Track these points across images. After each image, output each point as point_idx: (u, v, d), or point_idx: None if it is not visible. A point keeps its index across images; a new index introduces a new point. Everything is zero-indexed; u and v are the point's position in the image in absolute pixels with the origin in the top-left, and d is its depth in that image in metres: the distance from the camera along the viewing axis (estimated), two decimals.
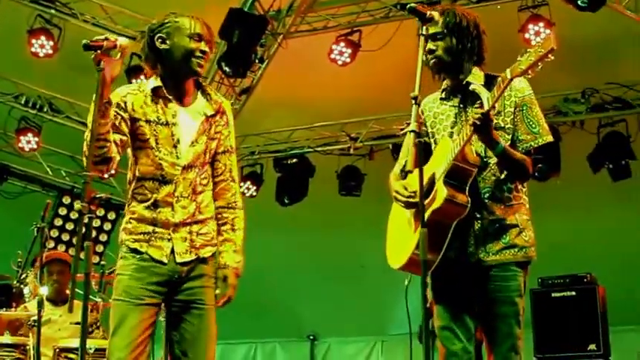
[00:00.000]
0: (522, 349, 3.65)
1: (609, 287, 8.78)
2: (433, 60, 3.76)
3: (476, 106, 3.53)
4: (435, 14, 3.60)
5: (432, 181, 3.64)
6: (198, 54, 3.73)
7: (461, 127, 3.71)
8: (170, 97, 3.77)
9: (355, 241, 11.08)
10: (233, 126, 3.98)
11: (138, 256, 3.72)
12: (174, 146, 3.74)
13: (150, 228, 3.74)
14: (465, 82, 3.76)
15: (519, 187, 3.75)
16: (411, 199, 3.65)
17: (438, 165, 3.64)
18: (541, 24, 8.11)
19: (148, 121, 3.74)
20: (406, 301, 3.44)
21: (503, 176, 3.68)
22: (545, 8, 8.15)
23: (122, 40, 3.57)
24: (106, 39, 3.48)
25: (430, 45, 3.74)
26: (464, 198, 3.56)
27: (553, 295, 8.69)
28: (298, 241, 11.55)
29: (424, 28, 3.58)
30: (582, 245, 10.28)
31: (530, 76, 3.46)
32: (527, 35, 8.10)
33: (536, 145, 3.70)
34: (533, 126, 3.71)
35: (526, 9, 8.24)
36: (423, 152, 3.44)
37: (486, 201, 3.65)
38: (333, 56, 8.88)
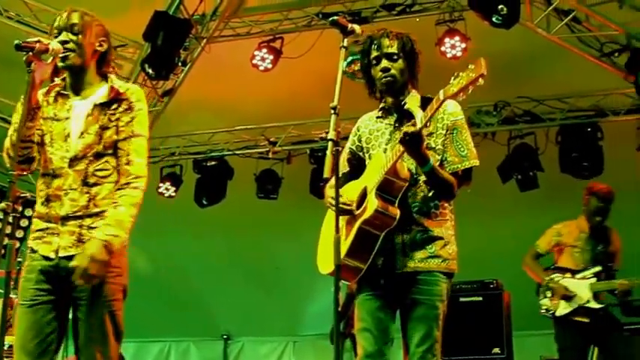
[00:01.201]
0: (439, 352, 3.70)
1: (515, 293, 8.97)
2: (387, 79, 3.85)
3: (409, 124, 3.58)
4: (356, 28, 3.66)
5: (365, 193, 3.74)
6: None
7: (395, 144, 3.77)
8: (67, 93, 3.72)
9: (271, 244, 11.10)
10: (143, 111, 3.74)
11: (33, 255, 3.60)
12: (65, 140, 3.63)
13: (44, 225, 3.61)
14: (402, 103, 3.86)
15: (445, 204, 3.84)
16: (346, 207, 3.72)
17: (371, 178, 3.74)
18: (457, 38, 8.27)
19: (45, 119, 3.67)
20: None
21: (430, 194, 3.76)
22: (461, 23, 8.31)
23: (54, 45, 3.51)
24: (39, 41, 3.42)
25: (386, 64, 3.84)
26: (394, 210, 3.65)
27: (461, 299, 8.83)
28: (215, 241, 11.51)
29: (345, 40, 3.64)
30: (490, 252, 10.48)
31: (462, 99, 3.53)
32: (443, 48, 8.25)
33: (462, 168, 3.77)
34: (462, 149, 3.79)
35: (443, 23, 8.39)
36: (356, 164, 3.71)
37: (415, 215, 3.74)
38: (255, 62, 8.87)
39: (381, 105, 3.98)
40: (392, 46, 3.84)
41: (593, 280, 6.65)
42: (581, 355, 6.67)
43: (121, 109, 3.67)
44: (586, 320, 6.62)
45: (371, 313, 3.74)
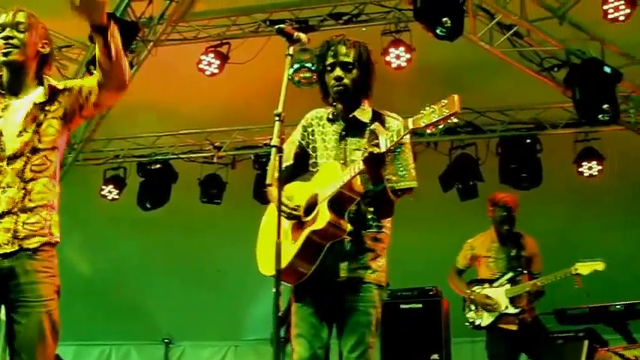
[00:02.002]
0: (373, 357, 3.75)
1: (454, 301, 9.05)
2: (339, 88, 3.85)
3: (373, 143, 3.56)
4: (302, 36, 3.66)
5: (315, 201, 3.73)
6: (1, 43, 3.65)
7: (339, 151, 3.85)
8: (3, 92, 3.70)
9: (214, 248, 11.02)
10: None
11: None
12: None
13: None
14: (352, 116, 3.88)
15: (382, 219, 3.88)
16: (294, 212, 3.72)
17: (323, 186, 3.73)
18: (402, 48, 8.33)
19: None
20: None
21: (371, 209, 3.79)
22: (407, 34, 8.38)
23: None
24: None
25: (339, 72, 3.83)
26: (345, 225, 3.69)
27: (401, 306, 8.88)
28: (158, 245, 11.39)
29: (291, 48, 3.63)
30: (431, 260, 10.56)
31: (429, 132, 3.48)
32: (388, 58, 8.30)
33: (398, 188, 3.80)
34: (401, 170, 3.82)
35: (389, 33, 8.45)
36: (300, 159, 3.80)
37: (351, 226, 3.74)
38: (201, 66, 8.83)
39: (332, 110, 3.98)
40: (348, 55, 3.84)
41: (508, 286, 6.83)
42: None
43: (56, 105, 3.69)
44: (514, 328, 6.73)
45: (305, 319, 3.77)
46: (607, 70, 7.94)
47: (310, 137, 4.01)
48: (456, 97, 3.32)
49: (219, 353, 12.76)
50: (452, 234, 10.57)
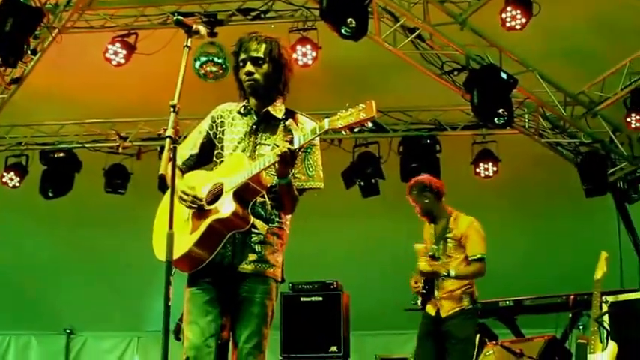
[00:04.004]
0: (267, 348, 3.73)
1: (354, 294, 9.13)
2: (250, 82, 3.84)
3: (286, 139, 3.57)
4: (201, 29, 3.65)
5: (220, 191, 3.69)
6: None
7: (247, 144, 3.83)
8: None
9: (117, 238, 10.85)
10: None
11: None
12: None
13: None
14: (265, 110, 3.87)
15: (282, 214, 3.86)
16: (196, 202, 3.68)
17: (228, 177, 3.69)
18: (308, 46, 8.33)
19: None
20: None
21: (273, 203, 3.77)
22: (313, 32, 8.38)
23: None
24: None
25: (249, 67, 3.83)
26: (249, 216, 3.66)
27: (302, 299, 8.92)
28: (61, 235, 11.16)
29: (189, 40, 3.62)
30: (332, 254, 10.63)
31: (345, 134, 3.52)
32: (295, 56, 8.27)
33: (306, 187, 3.80)
34: (310, 170, 3.82)
35: (296, 31, 8.43)
36: (206, 149, 3.79)
37: (254, 219, 3.71)
38: (108, 55, 8.64)
39: (244, 103, 3.96)
40: (258, 51, 3.83)
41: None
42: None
43: None
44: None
45: (199, 306, 3.71)
46: (503, 76, 8.11)
47: (218, 128, 3.98)
48: (373, 102, 3.37)
49: (122, 344, 12.58)
50: (353, 229, 10.72)
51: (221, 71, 8.52)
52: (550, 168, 9.87)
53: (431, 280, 6.35)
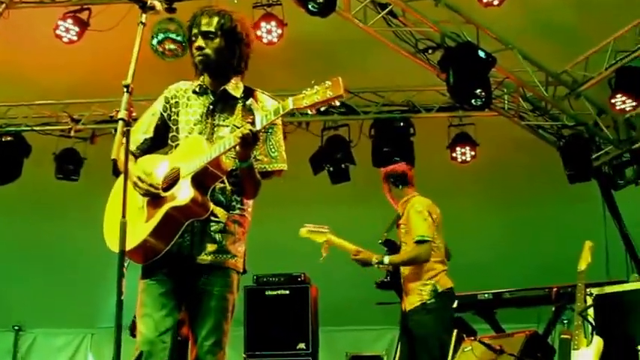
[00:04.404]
0: (229, 345, 3.75)
1: (323, 288, 9.15)
2: (200, 57, 3.86)
3: (248, 120, 3.57)
4: (157, 4, 3.65)
5: (176, 176, 3.69)
6: None
7: (204, 126, 3.83)
8: None
9: (69, 228, 10.77)
10: None
11: None
12: None
13: None
14: (222, 89, 3.88)
15: (245, 200, 3.87)
16: (152, 190, 3.67)
17: (186, 161, 3.69)
18: (273, 23, 8.31)
19: None
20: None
21: (234, 188, 3.79)
22: (278, 8, 8.36)
23: None
24: None
25: (200, 42, 3.85)
26: (208, 203, 3.66)
27: (267, 293, 8.91)
28: (8, 224, 11.06)
29: (144, 16, 3.63)
30: (300, 244, 10.62)
31: (310, 113, 3.57)
32: (259, 33, 8.25)
33: (270, 169, 3.83)
34: (273, 150, 3.85)
35: (260, 6, 8.38)
36: (161, 132, 3.76)
37: (214, 206, 3.72)
38: (58, 32, 8.53)
39: (199, 82, 3.97)
40: (209, 25, 3.84)
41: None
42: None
43: None
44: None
45: (155, 298, 3.71)
46: (481, 54, 8.13)
47: (173, 109, 3.98)
48: (340, 79, 3.37)
49: (75, 341, 12.54)
50: (322, 218, 10.71)
51: (180, 50, 8.47)
52: (531, 152, 9.93)
53: (396, 269, 6.41)
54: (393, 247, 6.51)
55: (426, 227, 6.26)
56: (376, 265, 6.30)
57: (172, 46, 8.50)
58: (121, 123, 3.35)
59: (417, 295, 6.26)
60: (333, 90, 3.38)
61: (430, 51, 8.54)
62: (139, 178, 3.68)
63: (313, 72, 3.48)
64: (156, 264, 3.71)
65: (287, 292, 8.93)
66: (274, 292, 8.92)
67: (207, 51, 3.85)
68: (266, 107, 3.73)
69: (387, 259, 6.23)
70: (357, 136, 10.01)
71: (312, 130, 10.12)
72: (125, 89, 3.39)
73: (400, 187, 6.61)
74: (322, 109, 3.48)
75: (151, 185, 3.68)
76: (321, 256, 6.66)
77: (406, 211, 6.45)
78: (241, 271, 3.87)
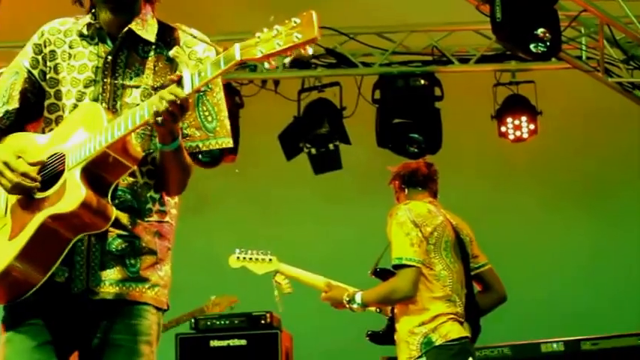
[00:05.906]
0: None
1: (300, 332, 9.14)
2: None
3: (172, 78, 3.45)
4: None
5: (60, 168, 3.61)
6: None
7: (101, 89, 3.75)
8: None
9: None
10: None
11: None
12: None
13: None
14: (127, 29, 3.75)
15: (169, 198, 3.82)
16: (26, 183, 3.59)
17: (73, 144, 3.61)
18: None
19: None
20: None
21: (150, 181, 3.74)
22: None
23: None
24: None
25: None
26: (108, 207, 3.54)
27: (212, 343, 8.89)
28: None
29: None
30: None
31: (267, 67, 3.32)
32: None
33: (205, 149, 3.78)
34: (210, 120, 3.81)
35: None
36: (32, 100, 3.78)
37: (117, 210, 3.60)
38: None
39: (89, 20, 3.83)
40: None
41: None
42: None
43: None
44: None
45: (24, 353, 3.61)
46: None
47: (48, 63, 3.86)
48: (313, 14, 3.19)
49: None
50: (298, 225, 10.69)
51: None
52: (621, 124, 9.95)
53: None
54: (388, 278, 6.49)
55: (407, 246, 6.28)
56: (347, 306, 6.37)
57: None
58: None
59: (404, 350, 6.29)
60: (303, 31, 3.21)
61: None
62: (6, 165, 3.59)
63: (282, 7, 3.38)
64: (26, 305, 3.61)
65: (243, 341, 8.90)
66: (223, 343, 8.89)
67: None
68: (197, 56, 3.70)
69: (358, 297, 6.31)
70: (352, 101, 9.95)
71: (282, 93, 10.04)
72: None
73: (405, 189, 6.63)
74: (287, 59, 3.29)
75: (24, 175, 3.58)
76: (276, 299, 6.69)
77: (388, 224, 6.48)
78: (165, 307, 3.76)
